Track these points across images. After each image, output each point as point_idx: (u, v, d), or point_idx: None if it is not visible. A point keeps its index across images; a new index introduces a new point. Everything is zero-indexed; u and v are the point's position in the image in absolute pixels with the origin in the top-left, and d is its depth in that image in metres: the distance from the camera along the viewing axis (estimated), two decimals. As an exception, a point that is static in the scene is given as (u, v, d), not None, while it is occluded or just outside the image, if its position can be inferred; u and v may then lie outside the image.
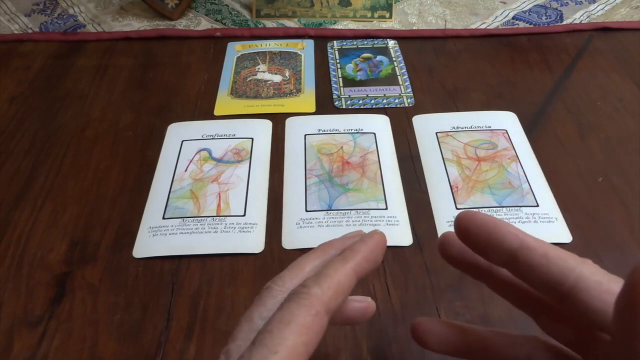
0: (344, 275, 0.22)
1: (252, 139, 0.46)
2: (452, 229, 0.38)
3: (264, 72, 0.54)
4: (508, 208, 0.39)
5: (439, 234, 0.38)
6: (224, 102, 0.51)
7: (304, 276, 0.23)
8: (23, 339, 0.32)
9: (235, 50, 0.58)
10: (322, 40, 0.59)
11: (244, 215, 0.40)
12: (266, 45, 0.58)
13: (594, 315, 0.20)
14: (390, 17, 0.61)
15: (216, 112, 0.49)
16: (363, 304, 0.26)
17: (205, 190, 0.41)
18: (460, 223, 0.23)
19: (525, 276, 0.21)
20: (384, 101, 0.50)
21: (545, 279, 0.20)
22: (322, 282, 0.21)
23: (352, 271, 0.22)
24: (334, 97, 0.51)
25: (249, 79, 0.53)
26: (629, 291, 0.17)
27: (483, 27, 0.60)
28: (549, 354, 0.23)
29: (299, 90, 0.52)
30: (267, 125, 0.48)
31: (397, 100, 0.50)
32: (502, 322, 0.33)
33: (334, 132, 0.47)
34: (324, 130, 0.47)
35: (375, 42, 0.58)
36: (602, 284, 0.20)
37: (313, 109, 0.50)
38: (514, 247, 0.21)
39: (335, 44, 0.58)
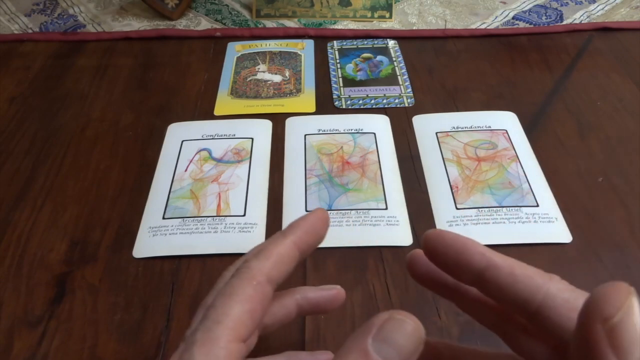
0: (282, 246, 0.23)
1: (252, 139, 0.46)
2: (452, 229, 0.38)
3: (264, 72, 0.54)
4: (508, 208, 0.39)
5: (439, 234, 0.38)
6: (224, 102, 0.51)
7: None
8: (23, 339, 0.32)
9: (235, 50, 0.58)
10: (322, 40, 0.59)
11: (244, 215, 0.40)
12: (266, 45, 0.58)
13: (562, 333, 0.19)
14: (390, 17, 0.61)
15: (216, 112, 0.49)
16: (332, 291, 0.27)
17: (205, 190, 0.42)
18: (428, 242, 0.23)
19: (494, 295, 0.21)
20: (384, 101, 0.50)
21: (513, 297, 0.20)
22: (260, 255, 0.22)
23: (292, 243, 0.23)
24: (334, 97, 0.51)
25: (249, 79, 0.53)
26: (583, 323, 0.17)
27: (483, 27, 0.60)
28: None
29: (299, 90, 0.52)
30: (267, 125, 0.48)
31: (397, 100, 0.50)
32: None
33: (334, 132, 0.47)
34: (324, 130, 0.47)
35: (375, 42, 0.58)
36: (570, 302, 0.19)
37: (313, 109, 0.50)
38: (482, 267, 0.21)
39: (335, 44, 0.58)
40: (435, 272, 0.24)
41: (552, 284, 0.20)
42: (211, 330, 0.20)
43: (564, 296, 0.20)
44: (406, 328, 0.18)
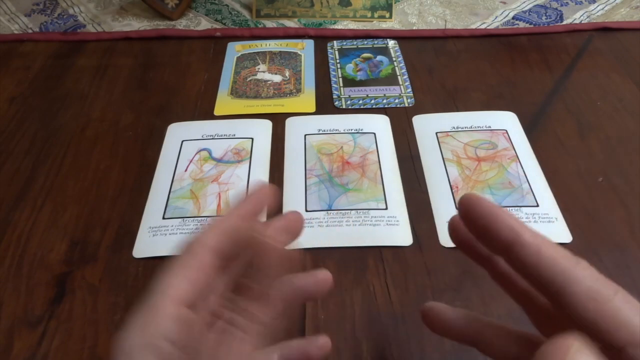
0: (227, 219, 0.24)
1: (252, 139, 0.46)
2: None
3: (264, 72, 0.54)
4: (508, 208, 0.39)
5: (439, 234, 0.38)
6: (224, 102, 0.51)
7: None
8: (23, 339, 0.32)
9: (235, 50, 0.58)
10: (322, 40, 0.59)
11: (244, 215, 0.39)
12: (266, 45, 0.58)
13: (580, 320, 0.19)
14: (390, 17, 0.61)
15: (216, 112, 0.49)
16: (318, 275, 0.27)
17: (205, 190, 0.41)
18: (462, 206, 0.23)
19: (519, 270, 0.21)
20: (384, 101, 0.50)
21: (536, 276, 0.20)
22: (205, 229, 0.24)
23: (237, 216, 0.25)
24: (334, 97, 0.51)
25: (249, 79, 0.53)
26: None
27: (483, 27, 0.60)
28: None
29: (299, 90, 0.52)
30: (267, 125, 0.48)
31: (397, 100, 0.50)
32: (502, 322, 0.33)
33: (334, 132, 0.47)
34: (324, 130, 0.47)
35: (375, 42, 0.58)
36: (591, 291, 0.19)
37: (313, 109, 0.50)
38: (509, 241, 0.21)
39: (335, 44, 0.58)
40: (472, 239, 0.24)
41: (577, 270, 0.20)
42: (157, 301, 0.21)
43: (586, 284, 0.20)
44: None
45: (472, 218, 0.22)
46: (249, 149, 0.45)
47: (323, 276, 0.27)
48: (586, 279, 0.20)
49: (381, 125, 0.47)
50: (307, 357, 0.27)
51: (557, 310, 0.21)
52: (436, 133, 0.46)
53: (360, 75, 0.53)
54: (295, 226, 0.27)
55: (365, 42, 0.58)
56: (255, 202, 0.26)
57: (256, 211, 0.26)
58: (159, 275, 0.22)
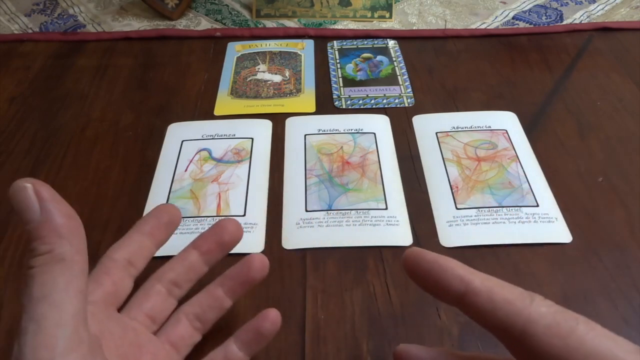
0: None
1: (252, 139, 0.46)
2: (452, 229, 0.38)
3: (264, 72, 0.54)
4: (508, 208, 0.39)
5: (439, 234, 0.38)
6: (224, 102, 0.51)
7: None
8: (23, 339, 0.32)
9: (235, 50, 0.58)
10: (322, 40, 0.59)
11: (244, 215, 0.40)
12: (266, 45, 0.58)
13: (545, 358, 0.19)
14: (390, 17, 0.61)
15: (216, 112, 0.49)
16: (249, 258, 0.30)
17: (205, 190, 0.42)
18: (407, 262, 0.22)
19: (476, 319, 0.21)
20: (384, 101, 0.50)
21: (494, 324, 0.20)
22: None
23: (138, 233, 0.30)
24: (334, 97, 0.51)
25: (249, 79, 0.53)
26: None
27: (483, 27, 0.60)
28: None
29: (299, 90, 0.52)
30: (267, 125, 0.48)
31: (397, 100, 0.50)
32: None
33: (334, 132, 0.47)
34: (324, 130, 0.47)
35: (375, 42, 0.58)
36: (551, 328, 0.19)
37: (313, 109, 0.50)
38: (460, 292, 0.21)
39: (335, 44, 0.58)
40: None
41: (533, 308, 0.19)
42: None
43: (545, 322, 0.19)
44: None
45: (419, 273, 0.22)
46: (249, 149, 0.45)
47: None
48: (544, 316, 0.19)
49: (381, 125, 0.47)
50: (260, 333, 0.28)
51: (519, 351, 0.20)
52: (436, 133, 0.46)
53: (360, 75, 0.54)
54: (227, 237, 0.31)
55: (365, 42, 0.58)
56: (156, 213, 0.31)
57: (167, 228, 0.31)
58: None
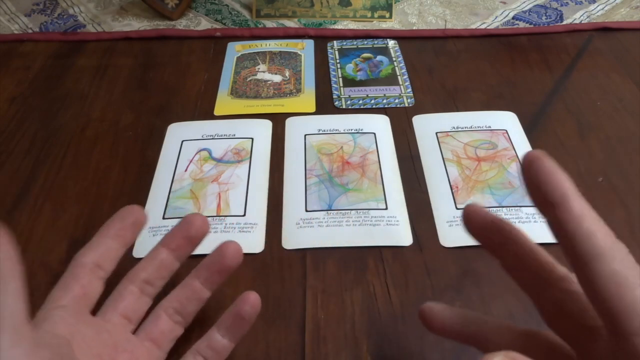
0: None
1: (252, 139, 0.46)
2: (452, 229, 0.38)
3: (264, 72, 0.54)
4: (508, 208, 0.39)
5: (439, 234, 0.38)
6: (224, 102, 0.51)
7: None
8: (23, 339, 0.32)
9: (235, 50, 0.58)
10: (322, 40, 0.59)
11: (244, 215, 0.40)
12: (266, 45, 0.58)
13: (595, 298, 0.19)
14: (390, 17, 0.61)
15: (216, 112, 0.49)
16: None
17: (205, 190, 0.42)
18: (528, 158, 0.23)
19: (556, 232, 0.21)
20: (384, 101, 0.50)
21: (569, 245, 0.20)
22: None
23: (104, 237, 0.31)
24: (334, 97, 0.51)
25: (249, 79, 0.53)
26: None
27: (483, 27, 0.60)
28: (544, 349, 0.24)
29: (299, 90, 0.52)
30: (267, 125, 0.48)
31: (397, 100, 0.50)
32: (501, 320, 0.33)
33: (334, 132, 0.47)
34: (324, 130, 0.47)
35: (375, 42, 0.58)
36: (617, 275, 0.19)
37: (313, 109, 0.50)
38: (556, 202, 0.21)
39: (335, 44, 0.58)
40: (487, 227, 0.25)
41: (611, 251, 0.20)
42: None
43: (614, 267, 0.19)
44: None
45: (533, 170, 0.23)
46: (249, 149, 0.45)
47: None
48: (616, 262, 0.19)
49: (381, 125, 0.47)
50: (240, 317, 0.29)
51: (581, 283, 0.20)
52: (436, 133, 0.46)
53: (360, 75, 0.54)
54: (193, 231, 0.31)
55: (365, 42, 0.58)
56: (119, 216, 0.32)
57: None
58: None
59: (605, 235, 0.20)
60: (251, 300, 0.30)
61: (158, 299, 0.31)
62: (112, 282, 0.30)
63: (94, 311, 0.29)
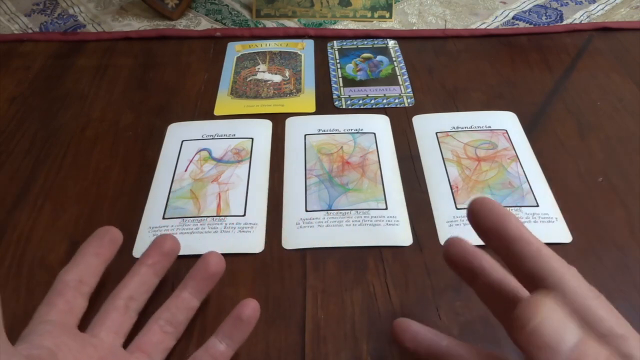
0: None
1: (252, 139, 0.46)
2: (452, 230, 0.38)
3: (264, 72, 0.54)
4: (508, 208, 0.39)
5: (439, 234, 0.38)
6: (224, 102, 0.51)
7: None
8: (23, 339, 0.32)
9: (235, 50, 0.58)
10: (322, 40, 0.59)
11: (244, 215, 0.40)
12: (266, 45, 0.58)
13: None
14: (390, 17, 0.61)
15: (216, 112, 0.49)
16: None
17: (205, 190, 0.42)
18: (474, 205, 0.25)
19: (516, 265, 0.24)
20: (384, 101, 0.50)
21: (532, 271, 0.23)
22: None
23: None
24: (334, 97, 0.51)
25: (249, 79, 0.53)
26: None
27: (483, 27, 0.60)
28: None
29: (299, 90, 0.52)
30: (267, 125, 0.48)
31: (397, 100, 0.50)
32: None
33: (334, 132, 0.47)
34: (324, 130, 0.47)
35: (375, 42, 0.58)
36: (578, 290, 0.22)
37: (313, 109, 0.50)
38: (515, 236, 0.24)
39: (335, 44, 0.58)
40: (464, 257, 0.28)
41: (570, 273, 0.23)
42: None
43: (573, 284, 0.22)
44: None
45: (482, 215, 0.25)
46: (249, 149, 0.45)
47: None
48: (573, 281, 0.22)
49: (381, 125, 0.47)
50: (240, 320, 0.30)
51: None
52: (436, 133, 0.46)
53: (360, 75, 0.53)
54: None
55: (365, 42, 0.58)
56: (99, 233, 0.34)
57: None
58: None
59: (560, 261, 0.24)
60: (251, 305, 0.31)
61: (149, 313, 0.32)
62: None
63: (82, 330, 0.30)
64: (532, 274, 0.23)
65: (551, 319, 0.19)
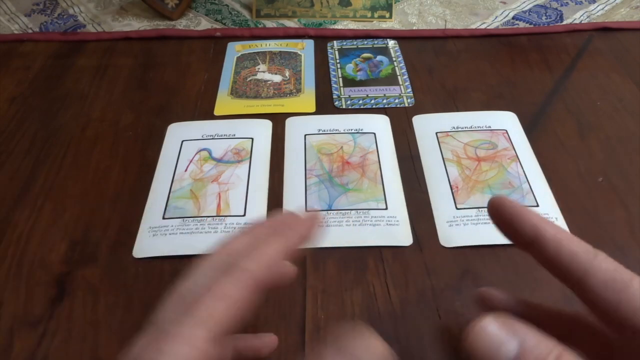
0: (274, 250, 0.22)
1: (252, 139, 0.46)
2: (452, 229, 0.38)
3: (264, 72, 0.54)
4: (508, 208, 0.39)
5: (439, 234, 0.38)
6: (224, 102, 0.51)
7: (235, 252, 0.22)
8: (23, 339, 0.32)
9: (235, 50, 0.58)
10: (322, 40, 0.59)
11: (244, 215, 0.40)
12: (266, 45, 0.58)
13: (599, 309, 0.21)
14: (390, 17, 0.61)
15: (216, 112, 0.49)
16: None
17: (205, 190, 0.42)
18: (491, 207, 0.24)
19: (542, 263, 0.23)
20: (384, 101, 0.50)
21: (556, 271, 0.22)
22: (254, 258, 0.21)
23: (285, 248, 0.23)
24: (334, 97, 0.51)
25: (249, 79, 0.53)
26: None
27: (483, 27, 0.60)
28: (588, 331, 0.25)
29: (299, 90, 0.52)
30: (267, 125, 0.48)
31: (397, 100, 0.50)
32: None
33: (334, 132, 0.47)
34: (324, 130, 0.47)
35: (375, 42, 0.58)
36: (608, 283, 0.20)
37: (313, 109, 0.50)
38: (531, 237, 0.22)
39: (335, 44, 0.58)
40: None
41: (595, 262, 0.21)
42: (190, 327, 0.18)
43: (603, 275, 0.21)
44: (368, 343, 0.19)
45: (499, 216, 0.24)
46: (249, 149, 0.45)
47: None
48: (603, 271, 0.21)
49: (381, 125, 0.47)
50: (256, 353, 0.28)
51: (580, 298, 0.22)
52: (436, 133, 0.46)
53: (360, 75, 0.53)
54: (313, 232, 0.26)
55: (365, 42, 0.58)
56: (306, 234, 0.25)
57: (301, 245, 0.24)
58: (204, 296, 0.19)
59: (585, 251, 0.21)
60: (267, 340, 0.29)
61: None
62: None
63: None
64: (558, 272, 0.22)
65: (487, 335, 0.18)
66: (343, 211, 0.40)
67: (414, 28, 0.60)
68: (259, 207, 0.40)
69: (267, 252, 0.22)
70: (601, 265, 0.21)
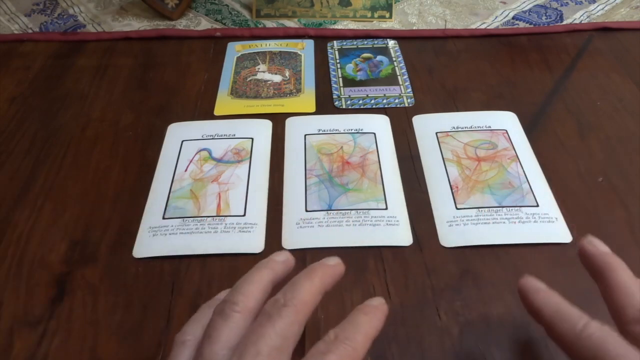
0: (316, 290, 0.27)
1: (252, 139, 0.46)
2: (452, 229, 0.38)
3: (264, 72, 0.54)
4: (508, 208, 0.39)
5: (439, 234, 0.38)
6: (224, 102, 0.51)
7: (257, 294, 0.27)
8: (23, 339, 0.32)
9: (235, 50, 0.58)
10: (322, 40, 0.59)
11: (244, 215, 0.40)
12: (266, 45, 0.58)
13: None
14: (390, 17, 0.61)
15: (216, 112, 0.49)
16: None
17: (205, 190, 0.41)
18: (582, 249, 0.29)
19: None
20: (384, 101, 0.50)
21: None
22: (307, 289, 0.27)
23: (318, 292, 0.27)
24: (334, 97, 0.51)
25: (249, 79, 0.53)
26: None
27: (483, 27, 0.60)
28: None
29: (299, 90, 0.52)
30: (267, 125, 0.48)
31: (397, 100, 0.50)
32: (502, 322, 0.33)
33: (334, 132, 0.47)
34: (324, 130, 0.47)
35: (375, 42, 0.58)
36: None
37: (313, 109, 0.50)
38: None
39: (335, 44, 0.58)
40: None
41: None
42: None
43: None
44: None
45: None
46: (249, 149, 0.45)
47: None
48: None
49: (381, 125, 0.47)
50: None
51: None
52: (436, 133, 0.46)
53: (360, 75, 0.53)
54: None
55: (365, 42, 0.58)
56: (338, 274, 0.29)
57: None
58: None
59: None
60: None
61: None
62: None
63: None
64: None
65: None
66: (343, 211, 0.40)
67: (414, 28, 0.60)
68: (259, 207, 0.40)
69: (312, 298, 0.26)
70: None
